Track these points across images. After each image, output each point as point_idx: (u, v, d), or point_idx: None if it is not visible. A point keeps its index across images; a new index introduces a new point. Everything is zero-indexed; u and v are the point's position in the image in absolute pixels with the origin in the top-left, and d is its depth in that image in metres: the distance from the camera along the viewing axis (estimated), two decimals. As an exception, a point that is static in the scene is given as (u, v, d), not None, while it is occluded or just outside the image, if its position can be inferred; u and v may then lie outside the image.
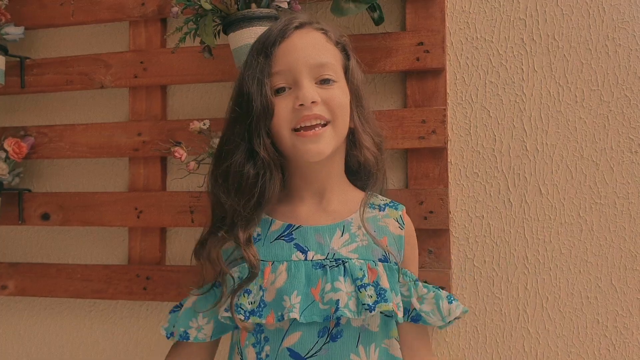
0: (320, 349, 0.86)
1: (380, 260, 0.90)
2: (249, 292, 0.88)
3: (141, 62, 1.33)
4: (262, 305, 0.87)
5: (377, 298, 0.86)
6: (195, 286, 0.98)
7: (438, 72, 1.19)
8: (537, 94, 1.18)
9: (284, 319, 0.85)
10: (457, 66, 1.21)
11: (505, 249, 1.18)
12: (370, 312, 0.85)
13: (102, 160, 1.40)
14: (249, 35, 1.10)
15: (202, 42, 1.17)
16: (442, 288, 0.98)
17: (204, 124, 1.16)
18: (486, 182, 1.20)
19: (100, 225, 1.36)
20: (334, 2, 1.13)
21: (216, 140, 1.13)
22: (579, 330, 1.15)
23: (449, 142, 1.19)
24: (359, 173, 0.98)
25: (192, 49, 1.26)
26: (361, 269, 0.88)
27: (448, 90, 1.20)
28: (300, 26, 0.92)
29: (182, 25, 1.16)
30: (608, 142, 1.15)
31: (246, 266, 0.89)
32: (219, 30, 1.16)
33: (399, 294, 0.91)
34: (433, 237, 1.17)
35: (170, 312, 0.98)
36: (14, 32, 1.37)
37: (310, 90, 0.87)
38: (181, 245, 1.35)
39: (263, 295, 0.87)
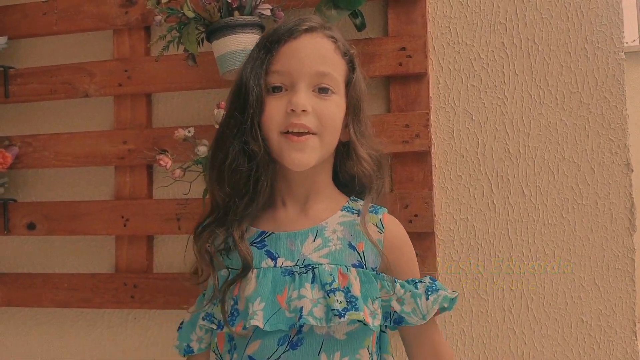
0: (279, 357, 0.84)
1: (354, 265, 0.87)
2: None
3: (125, 71, 1.33)
4: (236, 314, 0.86)
5: (347, 305, 0.83)
6: (188, 304, 0.98)
7: (421, 77, 1.20)
8: (518, 97, 1.20)
9: (247, 327, 0.84)
10: (439, 70, 1.23)
11: (490, 251, 1.19)
12: (340, 318, 0.81)
13: (88, 169, 1.39)
14: (232, 42, 1.10)
15: (185, 50, 1.17)
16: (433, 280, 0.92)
17: (189, 132, 1.17)
18: (470, 185, 1.21)
19: (87, 234, 1.35)
20: (316, 9, 1.13)
21: (200, 148, 1.13)
22: (564, 329, 1.16)
23: (432, 146, 1.20)
24: (351, 185, 0.96)
25: (177, 56, 1.26)
26: (331, 274, 0.85)
27: (431, 95, 1.21)
28: (311, 30, 0.88)
29: (166, 34, 1.16)
30: (589, 144, 1.17)
31: (227, 269, 0.90)
32: (203, 38, 1.16)
33: (377, 301, 0.87)
34: (418, 240, 1.17)
35: (177, 330, 0.99)
36: (-3, 42, 1.37)
37: (303, 97, 0.85)
38: (168, 253, 1.35)
39: (235, 304, 0.87)
